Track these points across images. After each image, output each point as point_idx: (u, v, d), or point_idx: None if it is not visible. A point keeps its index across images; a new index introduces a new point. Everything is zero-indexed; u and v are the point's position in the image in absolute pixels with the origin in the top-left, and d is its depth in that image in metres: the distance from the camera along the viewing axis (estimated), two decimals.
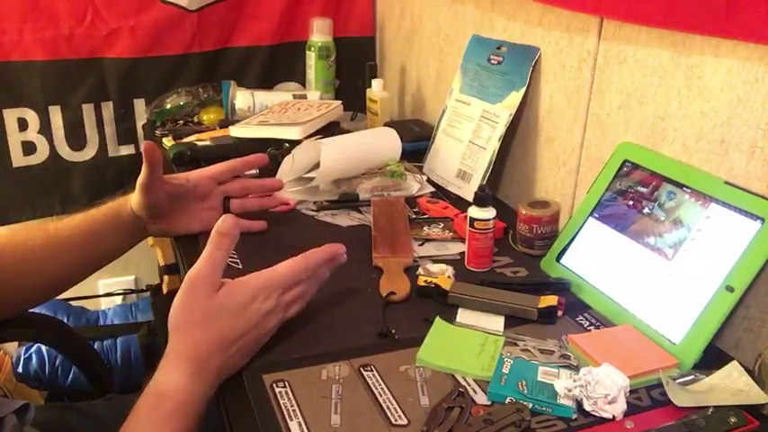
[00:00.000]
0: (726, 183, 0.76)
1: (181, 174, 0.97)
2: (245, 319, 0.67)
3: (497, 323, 0.79)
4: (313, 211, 1.11)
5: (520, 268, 0.93)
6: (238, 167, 1.00)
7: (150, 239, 1.58)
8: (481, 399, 0.66)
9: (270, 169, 1.22)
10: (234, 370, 0.68)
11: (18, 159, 1.57)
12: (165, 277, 1.65)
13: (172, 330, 0.65)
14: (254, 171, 1.24)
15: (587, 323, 0.80)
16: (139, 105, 1.63)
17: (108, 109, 1.61)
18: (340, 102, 1.47)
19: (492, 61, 1.15)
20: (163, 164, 0.88)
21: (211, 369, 0.65)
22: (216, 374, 0.65)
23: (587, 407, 0.64)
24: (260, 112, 1.47)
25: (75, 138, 1.60)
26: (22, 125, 1.55)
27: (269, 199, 1.04)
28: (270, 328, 0.71)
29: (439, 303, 0.82)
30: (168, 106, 1.57)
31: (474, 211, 0.90)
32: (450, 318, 0.79)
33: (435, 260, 0.93)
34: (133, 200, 0.91)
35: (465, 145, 1.16)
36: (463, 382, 0.68)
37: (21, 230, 0.90)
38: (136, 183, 0.90)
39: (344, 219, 1.08)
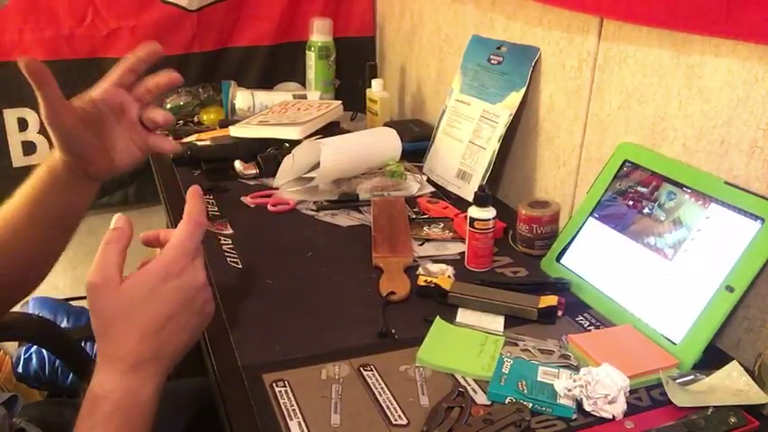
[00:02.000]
0: (726, 183, 0.76)
1: (84, 93, 0.81)
2: (162, 302, 0.62)
3: (497, 323, 0.79)
4: (313, 211, 1.11)
5: (520, 268, 0.93)
6: (134, 65, 0.84)
7: None
8: (481, 399, 0.66)
9: (270, 169, 1.22)
10: (179, 350, 0.63)
11: (18, 159, 1.57)
12: None
13: (96, 339, 0.62)
14: (253, 171, 1.24)
15: (587, 323, 0.80)
16: None
17: None
18: (340, 102, 1.47)
19: (492, 61, 1.15)
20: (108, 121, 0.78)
21: (144, 361, 0.61)
22: (153, 364, 0.61)
23: (587, 407, 0.64)
24: (260, 112, 1.47)
25: None
26: (22, 125, 1.55)
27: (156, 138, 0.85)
28: (201, 298, 0.64)
29: (439, 303, 0.82)
30: (168, 106, 1.58)
31: (474, 211, 0.90)
32: (450, 318, 0.79)
33: (435, 260, 0.93)
34: (54, 143, 0.78)
35: (465, 145, 1.16)
36: (463, 382, 0.68)
37: None
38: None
39: (344, 219, 1.08)
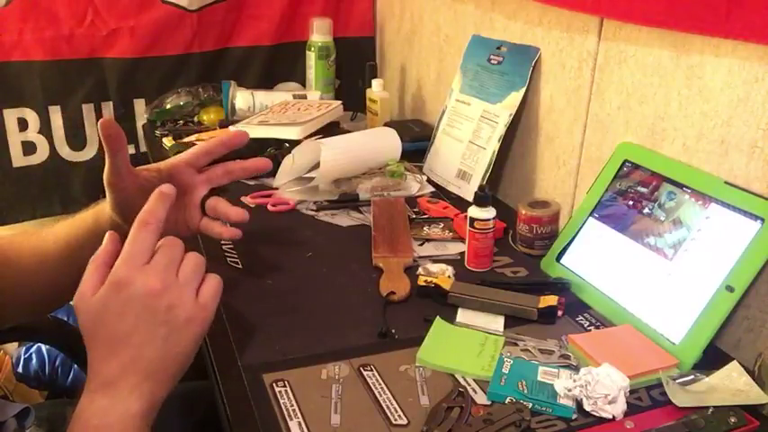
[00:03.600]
0: (726, 183, 0.76)
1: (152, 165, 0.82)
2: (116, 316, 0.58)
3: (497, 323, 0.79)
4: (313, 211, 1.11)
5: (520, 268, 0.93)
6: (213, 149, 0.84)
7: None
8: (481, 399, 0.66)
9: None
10: (157, 365, 0.58)
11: (18, 159, 1.57)
12: None
13: None
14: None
15: (587, 323, 0.80)
16: (139, 105, 1.63)
17: (108, 109, 1.61)
18: (340, 102, 1.47)
19: (492, 61, 1.15)
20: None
21: (111, 380, 0.57)
22: (124, 383, 0.57)
23: (587, 407, 0.64)
24: (260, 112, 1.47)
25: (75, 138, 1.60)
26: (22, 125, 1.55)
27: (235, 211, 0.83)
28: (161, 305, 0.59)
29: (439, 303, 0.82)
30: (168, 106, 1.58)
31: (474, 211, 0.90)
32: (450, 318, 0.79)
33: (435, 260, 0.93)
34: (107, 202, 0.79)
35: (465, 145, 1.16)
36: (463, 382, 0.68)
37: (18, 234, 0.84)
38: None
39: (344, 219, 1.08)
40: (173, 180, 0.77)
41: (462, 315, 0.80)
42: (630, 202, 0.85)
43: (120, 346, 0.58)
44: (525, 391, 0.65)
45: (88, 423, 0.56)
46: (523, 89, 1.08)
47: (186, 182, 0.81)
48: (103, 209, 0.79)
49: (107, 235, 0.63)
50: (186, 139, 1.40)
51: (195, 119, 1.58)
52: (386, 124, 1.39)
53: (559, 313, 0.80)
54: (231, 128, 1.36)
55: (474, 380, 0.68)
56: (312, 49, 1.63)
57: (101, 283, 0.59)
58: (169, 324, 0.59)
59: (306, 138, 1.28)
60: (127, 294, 0.58)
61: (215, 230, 0.83)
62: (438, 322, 0.78)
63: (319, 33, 1.62)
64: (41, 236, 0.81)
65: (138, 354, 0.58)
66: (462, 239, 0.96)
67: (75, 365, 1.47)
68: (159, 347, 0.59)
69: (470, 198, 1.03)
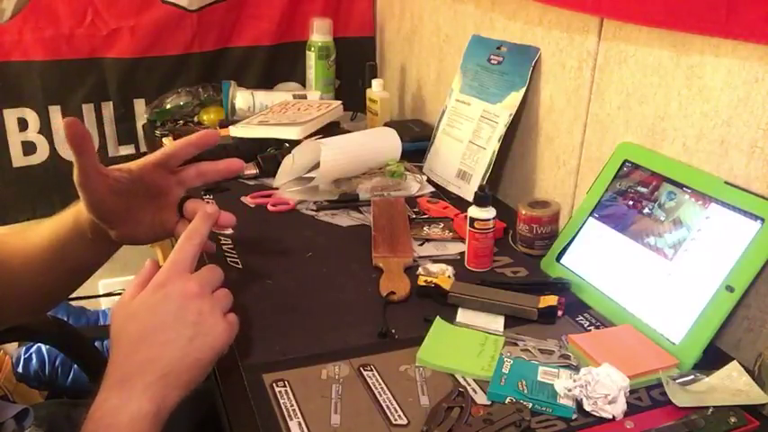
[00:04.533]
0: (726, 183, 0.76)
1: (124, 165, 0.79)
2: (148, 312, 0.61)
3: (497, 323, 0.79)
4: (313, 211, 1.11)
5: (520, 268, 0.93)
6: (182, 150, 0.81)
7: None
8: (481, 399, 0.66)
9: (270, 169, 1.22)
10: (172, 367, 0.60)
11: (18, 159, 1.57)
12: None
13: None
14: (253, 171, 1.24)
15: (587, 323, 0.80)
16: (139, 105, 1.63)
17: (108, 109, 1.61)
18: (340, 102, 1.47)
19: (492, 61, 1.15)
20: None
21: (128, 376, 0.58)
22: (139, 381, 0.58)
23: (587, 407, 0.64)
24: (260, 112, 1.47)
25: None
26: (22, 125, 1.55)
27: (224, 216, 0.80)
28: (193, 308, 0.62)
29: (439, 303, 0.82)
30: (168, 106, 1.57)
31: (474, 211, 0.90)
32: (450, 318, 0.79)
33: (435, 260, 0.93)
34: (81, 203, 0.78)
35: (465, 145, 1.16)
36: (463, 382, 0.68)
37: (7, 234, 0.84)
38: None
39: (344, 219, 1.08)
40: (143, 181, 0.78)
41: (462, 315, 0.80)
42: (630, 202, 0.85)
43: (145, 344, 0.60)
44: (525, 391, 0.65)
45: (101, 422, 0.57)
46: (523, 89, 1.08)
47: (158, 183, 0.80)
48: (82, 208, 0.78)
49: (148, 261, 0.67)
50: None
51: (195, 119, 1.58)
52: (386, 124, 1.39)
53: (559, 313, 0.80)
54: (231, 128, 1.36)
55: (474, 380, 0.68)
56: (312, 49, 1.62)
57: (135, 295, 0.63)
58: (197, 327, 0.62)
59: (306, 138, 1.28)
60: (164, 292, 0.62)
61: None
62: (438, 322, 0.78)
63: (319, 33, 1.62)
64: (25, 236, 0.81)
65: (159, 353, 0.60)
66: (462, 239, 0.96)
67: (75, 365, 1.47)
68: (181, 348, 0.61)
69: (470, 198, 1.03)
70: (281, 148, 1.26)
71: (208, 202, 0.81)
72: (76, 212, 0.79)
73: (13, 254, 0.80)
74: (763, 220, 0.71)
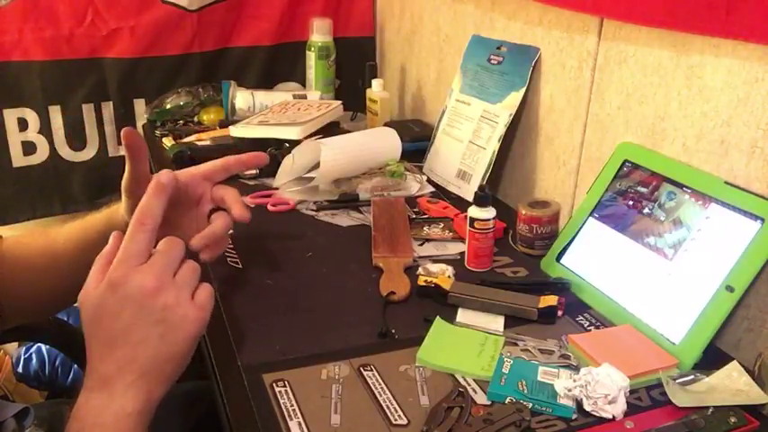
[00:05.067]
0: (726, 183, 0.76)
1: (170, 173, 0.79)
2: (112, 314, 0.59)
3: (497, 323, 0.79)
4: (313, 211, 1.11)
5: (520, 268, 0.93)
6: (232, 166, 0.83)
7: None
8: (481, 399, 0.66)
9: (270, 169, 1.22)
10: (151, 364, 0.59)
11: (18, 159, 1.57)
12: None
13: None
14: (253, 171, 1.24)
15: (587, 323, 0.80)
16: (139, 105, 1.63)
17: (108, 109, 1.62)
18: (340, 102, 1.47)
19: (492, 61, 1.15)
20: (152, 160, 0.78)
21: (107, 378, 0.58)
22: (119, 381, 0.57)
23: (587, 407, 0.64)
24: (260, 112, 1.47)
25: (76, 138, 1.60)
26: (22, 125, 1.55)
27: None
28: (157, 305, 0.59)
29: (439, 303, 0.82)
30: (168, 106, 1.58)
31: (474, 211, 0.90)
32: (450, 318, 0.79)
33: (435, 260, 0.93)
34: (122, 206, 0.80)
35: (465, 145, 1.16)
36: (463, 382, 0.68)
37: (25, 234, 0.84)
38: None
39: (344, 219, 1.08)
40: (188, 191, 0.79)
41: (462, 315, 0.80)
42: (630, 202, 0.85)
43: (117, 345, 0.58)
44: (525, 391, 0.65)
45: (84, 421, 0.56)
46: (523, 89, 1.08)
47: (200, 194, 0.80)
48: (117, 211, 0.79)
49: (112, 234, 0.64)
50: (186, 139, 1.40)
51: (195, 119, 1.58)
52: (386, 124, 1.39)
53: (559, 313, 0.80)
54: (231, 128, 1.36)
55: (474, 380, 0.68)
56: (312, 49, 1.63)
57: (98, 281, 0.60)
58: (165, 323, 0.59)
59: (306, 138, 1.28)
60: (123, 293, 0.59)
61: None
62: (438, 322, 0.78)
63: (319, 33, 1.62)
64: (51, 236, 0.81)
65: (134, 352, 0.58)
66: (462, 239, 0.96)
67: (75, 365, 1.47)
68: (155, 346, 0.59)
69: (470, 198, 1.03)
70: (281, 148, 1.26)
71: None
72: (110, 214, 0.80)
73: (38, 254, 0.80)
74: (763, 220, 0.71)
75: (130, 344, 0.58)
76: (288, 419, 0.63)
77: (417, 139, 1.32)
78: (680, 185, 0.80)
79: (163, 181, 0.66)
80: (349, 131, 1.35)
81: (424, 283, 0.84)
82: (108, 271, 0.60)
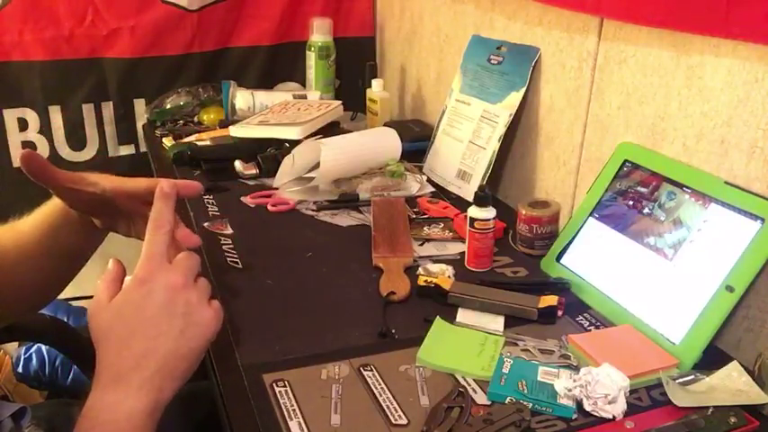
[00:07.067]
0: (726, 183, 0.76)
1: (90, 175, 0.77)
2: (134, 308, 0.60)
3: (497, 323, 0.79)
4: (313, 211, 1.11)
5: (520, 268, 0.93)
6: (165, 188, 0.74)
7: None
8: (481, 399, 0.66)
9: (268, 170, 1.22)
10: (167, 360, 0.59)
11: (18, 159, 1.57)
12: None
13: None
14: (253, 171, 1.24)
15: (587, 323, 0.80)
16: (139, 105, 1.63)
17: (108, 109, 1.61)
18: (340, 102, 1.47)
19: (492, 61, 1.15)
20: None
21: (123, 373, 0.58)
22: (135, 376, 0.58)
23: (587, 407, 0.64)
24: (260, 112, 1.47)
25: (75, 138, 1.60)
26: (22, 125, 1.55)
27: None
28: (180, 300, 0.61)
29: (439, 303, 0.82)
30: (168, 106, 1.58)
31: (474, 211, 0.90)
32: (450, 318, 0.79)
33: (435, 260, 0.93)
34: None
35: (465, 145, 1.16)
36: (463, 382, 0.68)
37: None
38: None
39: (344, 219, 1.08)
40: (116, 202, 0.77)
41: (462, 315, 0.80)
42: (630, 202, 0.85)
43: (136, 338, 0.59)
44: (525, 391, 0.65)
45: (97, 418, 0.56)
46: (523, 89, 1.08)
47: (128, 208, 0.78)
48: None
49: (111, 260, 0.66)
50: (186, 139, 1.40)
51: (195, 119, 1.58)
52: (386, 124, 1.39)
53: (559, 313, 0.80)
54: (231, 128, 1.36)
55: (474, 380, 0.68)
56: (312, 49, 1.63)
57: (117, 291, 0.62)
58: (187, 317, 0.61)
59: (306, 138, 1.28)
60: (149, 288, 0.61)
61: None
62: (438, 322, 0.78)
63: (319, 33, 1.62)
64: (18, 228, 0.82)
65: (152, 346, 0.59)
66: (462, 239, 0.96)
67: (75, 365, 1.47)
68: (174, 339, 0.60)
69: (470, 198, 1.03)
70: (281, 148, 1.26)
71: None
72: None
73: (9, 249, 0.80)
74: (763, 220, 0.71)
75: (150, 337, 0.60)
76: (288, 419, 0.63)
77: (417, 139, 1.32)
78: (680, 185, 0.80)
79: (166, 189, 0.68)
80: (349, 131, 1.35)
81: (424, 283, 0.84)
82: (122, 286, 0.62)
